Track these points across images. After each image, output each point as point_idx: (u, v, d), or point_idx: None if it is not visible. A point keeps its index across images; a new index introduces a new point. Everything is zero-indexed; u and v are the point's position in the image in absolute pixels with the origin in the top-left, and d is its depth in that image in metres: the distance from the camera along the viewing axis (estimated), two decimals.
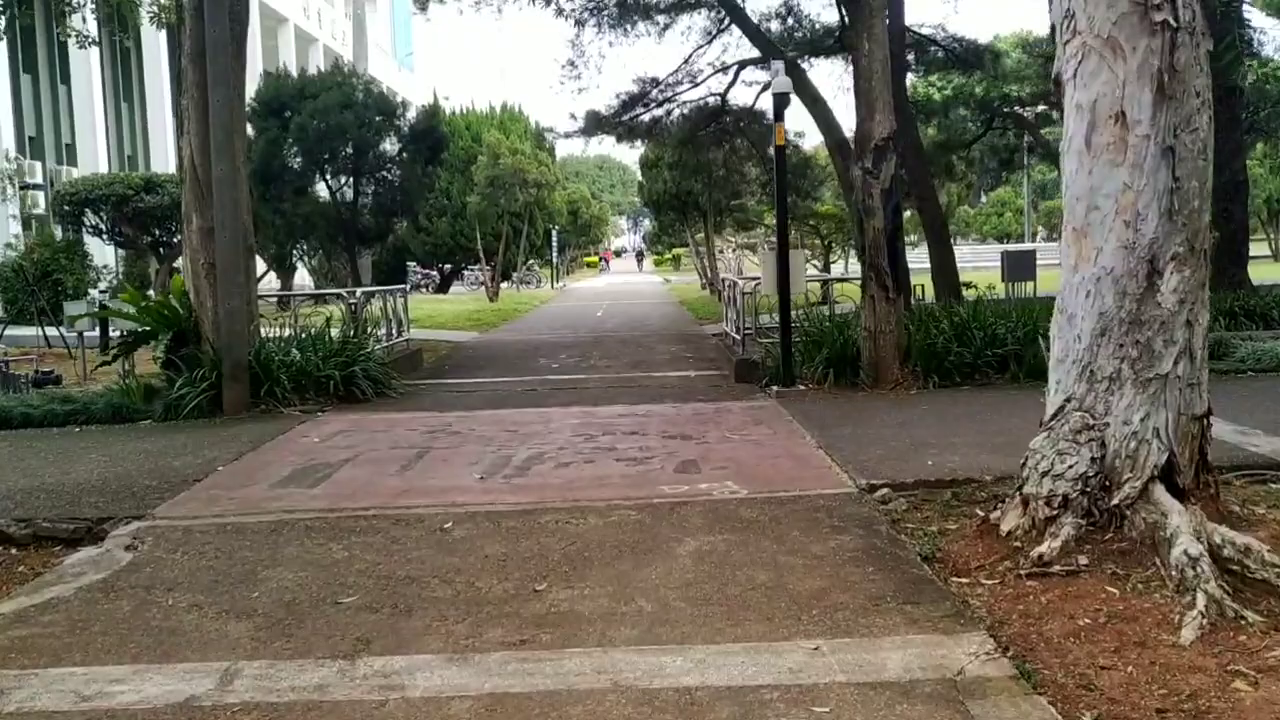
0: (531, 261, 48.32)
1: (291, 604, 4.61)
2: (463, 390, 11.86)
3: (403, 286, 14.70)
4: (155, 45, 30.07)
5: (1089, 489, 4.96)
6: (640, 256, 78.71)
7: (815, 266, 29.70)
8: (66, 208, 19.99)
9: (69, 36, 14.23)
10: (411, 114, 16.67)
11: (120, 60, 32.67)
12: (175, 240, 21.92)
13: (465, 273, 43.28)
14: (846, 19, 11.53)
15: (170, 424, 9.77)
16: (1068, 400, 5.15)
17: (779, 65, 10.24)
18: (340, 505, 6.38)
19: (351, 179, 16.03)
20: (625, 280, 54.34)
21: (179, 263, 24.56)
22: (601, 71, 28.39)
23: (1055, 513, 4.98)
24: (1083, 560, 4.77)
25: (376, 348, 12.81)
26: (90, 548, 5.69)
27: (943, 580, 4.73)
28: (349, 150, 15.26)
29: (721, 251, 38.83)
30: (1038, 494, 5.05)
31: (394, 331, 13.99)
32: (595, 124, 22.46)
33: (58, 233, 22.99)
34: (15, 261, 19.10)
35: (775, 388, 10.57)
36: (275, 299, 13.46)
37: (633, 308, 28.72)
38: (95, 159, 25.24)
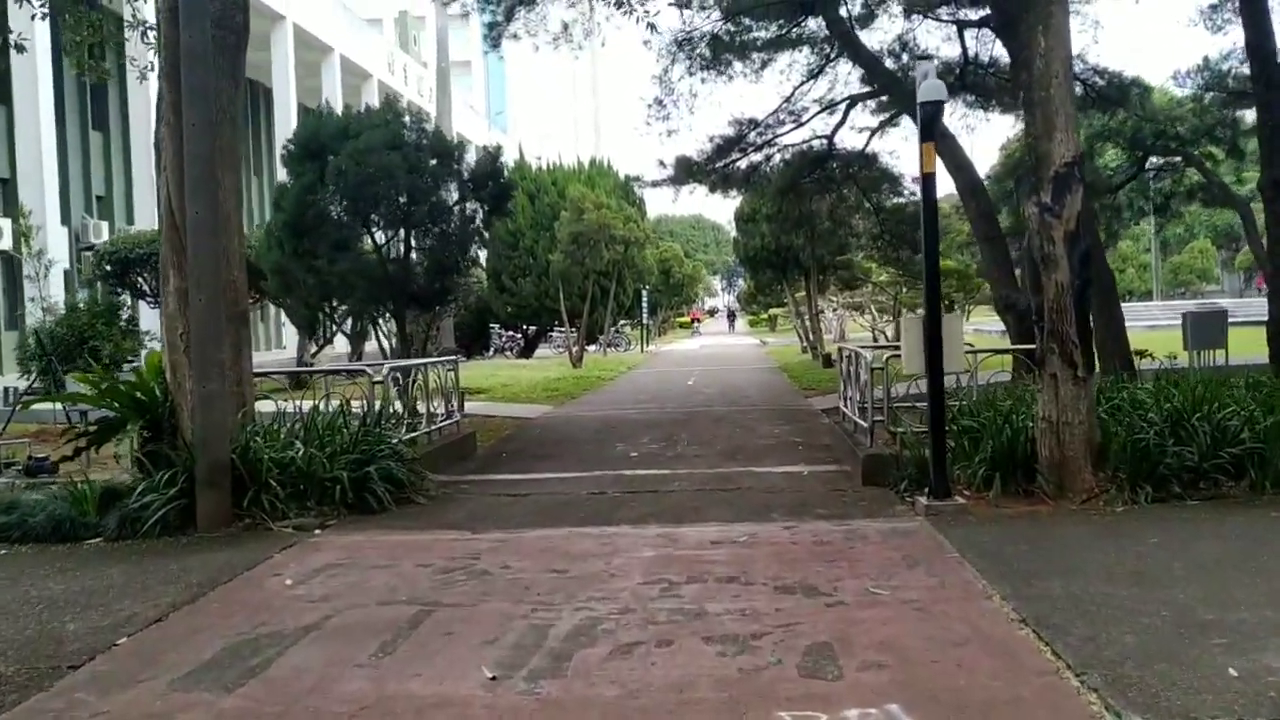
0: (621, 323, 46.08)
1: None
2: (512, 493, 9.35)
3: (453, 358, 12.36)
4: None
5: None
6: (732, 317, 75.50)
7: None
8: (108, 268, 18.29)
9: (84, 70, 12.43)
10: (473, 156, 14.50)
11: None
12: None
13: (553, 334, 41.17)
14: (1014, 11, 8.91)
15: (125, 544, 7.47)
16: None
17: (927, 66, 7.63)
18: None
19: (402, 231, 13.86)
20: (719, 342, 51.64)
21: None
22: (693, 111, 24.12)
23: None
24: None
25: (416, 434, 10.45)
26: None
27: None
28: (401, 198, 13.05)
29: (821, 311, 35.99)
30: None
31: (439, 410, 11.59)
32: (686, 172, 20.10)
33: (126, 298, 21.45)
34: (50, 328, 17.38)
35: (923, 499, 7.80)
36: (275, 375, 11.19)
37: (727, 375, 26.05)
38: (154, 216, 23.74)
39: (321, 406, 9.51)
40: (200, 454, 7.77)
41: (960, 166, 15.26)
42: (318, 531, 7.72)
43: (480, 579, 6.15)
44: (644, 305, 43.01)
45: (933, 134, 7.71)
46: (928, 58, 8.34)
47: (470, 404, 18.29)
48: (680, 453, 11.74)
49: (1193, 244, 53.25)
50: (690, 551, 6.71)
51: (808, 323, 31.72)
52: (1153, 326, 33.38)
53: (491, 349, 39.81)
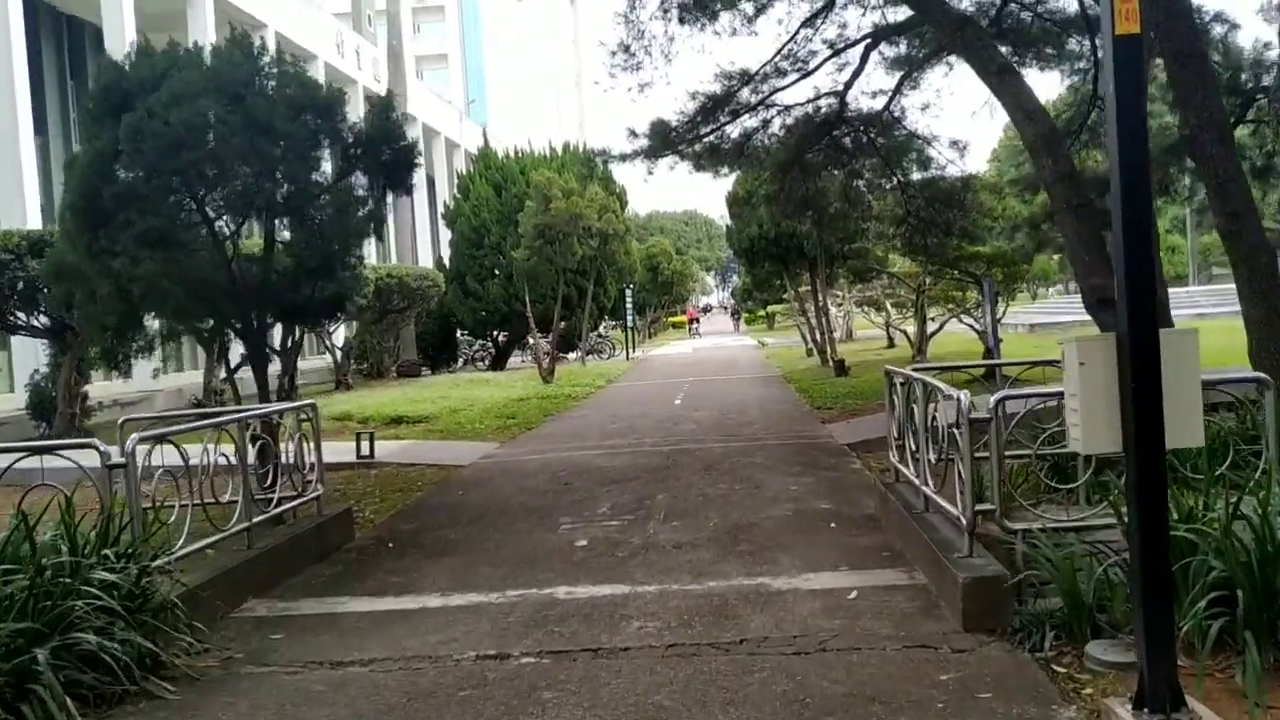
0: (605, 324, 42.00)
1: None
2: (344, 658, 5.32)
3: (310, 402, 8.36)
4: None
5: None
6: (736, 315, 69.56)
7: (975, 328, 22.70)
8: None
9: None
10: (361, 113, 10.52)
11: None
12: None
13: (528, 342, 37.02)
14: None
15: None
16: None
17: None
18: None
19: (259, 220, 9.89)
20: (715, 344, 47.33)
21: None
22: (670, 59, 15.36)
23: None
24: None
25: (216, 538, 6.49)
26: None
27: None
28: (247, 168, 9.02)
29: (826, 308, 31.97)
30: None
31: (290, 480, 7.58)
32: (662, 140, 16.03)
33: None
34: None
35: (1124, 712, 3.80)
36: None
37: (724, 388, 22.03)
38: (23, 213, 19.62)
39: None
40: None
41: (1030, 115, 11.19)
42: None
43: None
44: (627, 306, 38.97)
45: None
46: None
47: (394, 445, 14.30)
48: (652, 538, 7.73)
49: None
50: None
51: (813, 321, 27.67)
52: (1201, 315, 29.48)
53: (460, 360, 35.77)
